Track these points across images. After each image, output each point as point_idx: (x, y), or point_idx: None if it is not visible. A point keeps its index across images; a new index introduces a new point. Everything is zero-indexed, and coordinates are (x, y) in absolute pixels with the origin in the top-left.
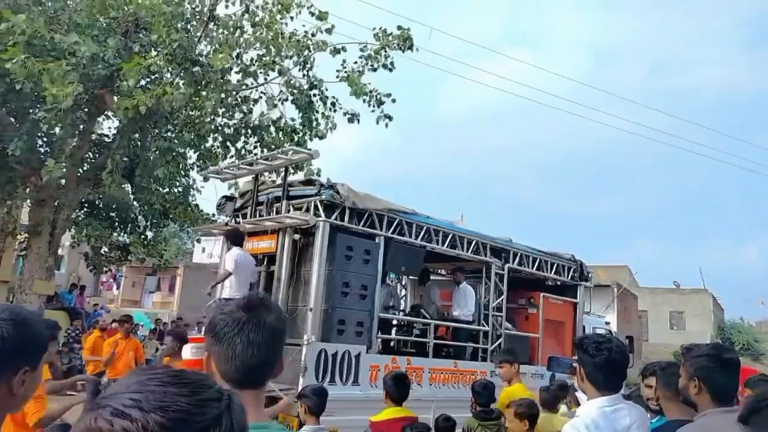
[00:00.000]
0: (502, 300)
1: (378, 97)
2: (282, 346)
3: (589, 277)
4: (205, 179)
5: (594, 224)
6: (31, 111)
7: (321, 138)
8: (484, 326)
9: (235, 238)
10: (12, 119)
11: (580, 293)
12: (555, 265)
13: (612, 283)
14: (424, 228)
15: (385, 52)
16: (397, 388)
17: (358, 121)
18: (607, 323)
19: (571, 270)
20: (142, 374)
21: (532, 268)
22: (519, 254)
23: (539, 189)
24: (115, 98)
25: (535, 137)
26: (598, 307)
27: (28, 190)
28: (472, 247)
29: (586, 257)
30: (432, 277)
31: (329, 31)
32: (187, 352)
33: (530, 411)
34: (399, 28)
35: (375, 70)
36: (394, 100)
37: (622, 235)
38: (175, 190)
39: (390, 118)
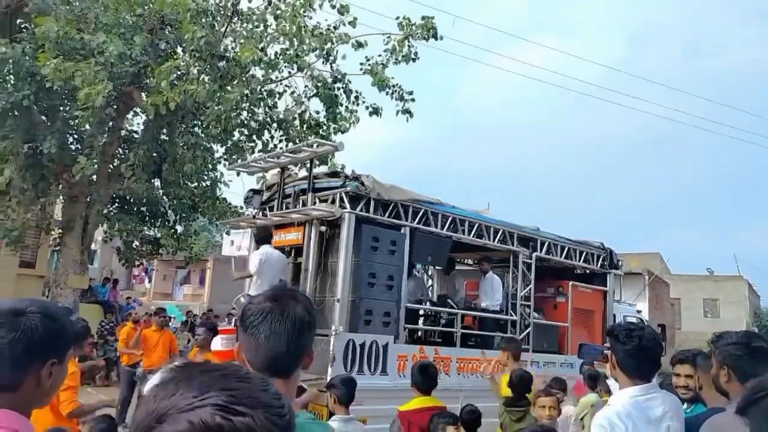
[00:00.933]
0: (529, 289)
1: (400, 92)
2: (309, 336)
3: (619, 264)
4: (238, 174)
5: (626, 211)
6: (61, 109)
7: (343, 132)
8: (511, 315)
9: (261, 236)
10: (43, 117)
11: (609, 281)
12: (584, 253)
13: (643, 271)
14: (450, 218)
15: (409, 42)
16: (424, 377)
17: (380, 115)
18: (638, 311)
19: (600, 258)
20: (206, 372)
21: (561, 257)
22: (547, 243)
23: (570, 177)
24: (143, 95)
25: (567, 124)
26: (628, 295)
27: (60, 186)
28: (498, 237)
29: (617, 245)
30: (458, 267)
31: (352, 24)
32: (217, 343)
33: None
34: (423, 17)
35: (398, 62)
36: (413, 99)
37: (655, 223)
38: (204, 184)
39: (411, 113)
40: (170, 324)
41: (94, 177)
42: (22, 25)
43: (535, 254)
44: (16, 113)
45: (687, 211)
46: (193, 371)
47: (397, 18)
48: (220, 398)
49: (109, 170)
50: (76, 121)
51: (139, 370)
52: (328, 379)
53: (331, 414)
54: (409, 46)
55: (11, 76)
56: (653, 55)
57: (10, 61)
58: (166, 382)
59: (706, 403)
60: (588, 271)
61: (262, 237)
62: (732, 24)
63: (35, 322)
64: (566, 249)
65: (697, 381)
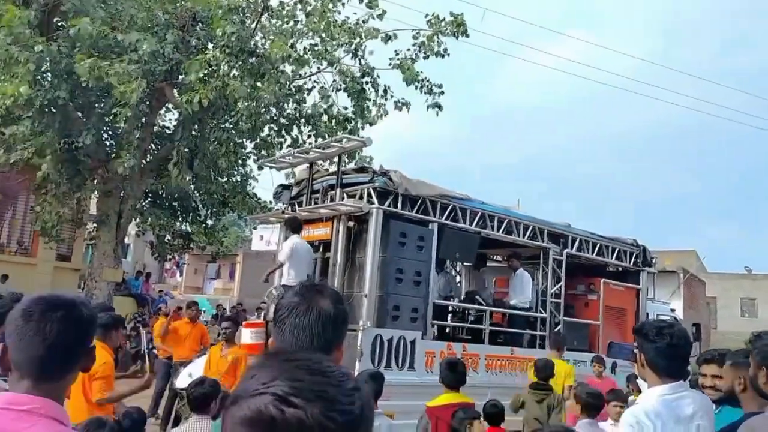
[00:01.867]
0: (560, 286)
1: (429, 86)
2: (336, 330)
3: (652, 262)
4: (260, 168)
5: (662, 208)
6: (96, 105)
7: (371, 125)
8: (541, 313)
9: (293, 226)
10: (79, 114)
11: (642, 279)
12: (616, 250)
13: (678, 269)
14: (479, 214)
15: (438, 38)
16: (452, 373)
17: (408, 109)
18: (673, 310)
19: (633, 255)
20: (285, 360)
21: (592, 254)
22: (578, 239)
23: (604, 172)
24: (175, 91)
25: (602, 119)
26: (662, 293)
27: (95, 181)
28: (528, 233)
29: (652, 242)
30: (488, 264)
31: (380, 17)
32: (247, 336)
33: (588, 399)
34: (451, 14)
35: (427, 57)
36: (443, 92)
37: (692, 220)
38: (234, 179)
39: (440, 107)
40: (201, 317)
41: (128, 172)
42: (59, 24)
43: (565, 251)
44: (52, 110)
45: (725, 207)
46: (275, 359)
47: (426, 15)
48: (282, 388)
49: (142, 165)
50: (112, 117)
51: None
52: (356, 374)
53: None
54: (438, 42)
55: (48, 74)
56: (690, 49)
57: (47, 59)
58: (253, 367)
59: (743, 406)
60: (620, 269)
61: (294, 227)
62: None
63: (86, 312)
64: (598, 246)
65: (742, 381)
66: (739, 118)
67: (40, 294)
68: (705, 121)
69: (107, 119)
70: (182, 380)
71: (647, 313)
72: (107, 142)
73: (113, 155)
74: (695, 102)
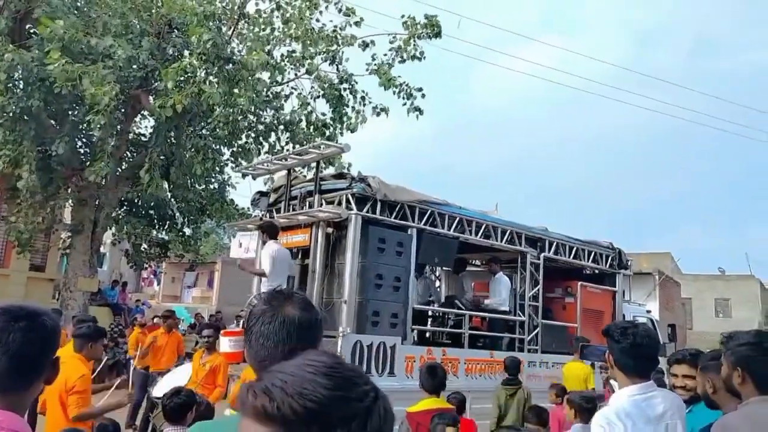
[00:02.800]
0: (538, 290)
1: (408, 90)
2: (302, 338)
3: (628, 264)
4: (244, 176)
5: (637, 212)
6: (70, 113)
7: (352, 131)
8: (520, 316)
9: (271, 232)
10: (53, 122)
11: (619, 281)
12: (592, 253)
13: (653, 271)
14: (457, 218)
15: (414, 41)
16: (431, 378)
17: (387, 114)
18: (649, 311)
19: (610, 258)
20: (305, 359)
21: (569, 257)
22: (555, 243)
23: (579, 177)
24: (151, 98)
25: (575, 124)
26: (638, 295)
27: (69, 190)
28: (506, 237)
29: (627, 245)
30: (467, 268)
31: (358, 24)
32: (225, 344)
33: (581, 403)
34: (426, 17)
35: (404, 61)
36: (423, 95)
37: (666, 222)
38: (211, 186)
39: (420, 111)
40: (179, 326)
41: (102, 181)
42: (31, 31)
43: (543, 255)
44: (26, 118)
45: (698, 210)
46: (303, 358)
47: (402, 17)
48: (274, 380)
49: (118, 173)
50: (86, 125)
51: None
52: None
53: None
54: (414, 45)
55: (21, 82)
56: (661, 54)
57: (20, 67)
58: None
59: (722, 407)
60: (597, 272)
61: (272, 233)
62: (742, 23)
63: (49, 323)
64: (575, 249)
65: (711, 384)
66: (711, 122)
67: (2, 304)
68: (677, 126)
69: (81, 127)
70: (159, 389)
71: (624, 315)
72: (81, 150)
73: (88, 163)
74: (666, 107)
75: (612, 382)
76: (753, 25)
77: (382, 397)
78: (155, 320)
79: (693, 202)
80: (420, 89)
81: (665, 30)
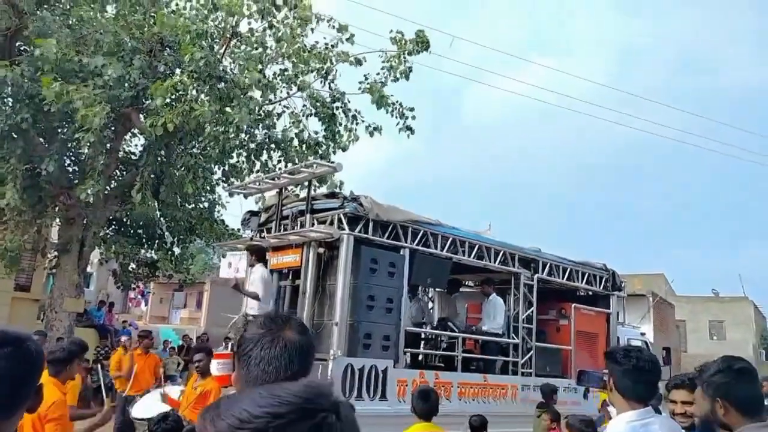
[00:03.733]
0: (531, 311)
1: (401, 110)
2: (302, 362)
3: (622, 286)
4: (231, 195)
5: (629, 233)
6: (59, 131)
7: (344, 150)
8: (513, 339)
9: (260, 254)
10: (41, 140)
11: (613, 303)
12: (586, 274)
13: (647, 293)
14: (450, 239)
15: (404, 57)
16: (424, 403)
17: (380, 133)
18: (643, 334)
19: (603, 279)
20: (263, 389)
21: (563, 278)
22: (548, 264)
23: (570, 197)
24: (141, 117)
25: (563, 144)
26: (633, 317)
27: (57, 209)
28: (499, 258)
29: (620, 267)
30: (461, 289)
31: (350, 40)
32: (214, 368)
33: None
34: (415, 33)
35: (397, 80)
36: (414, 117)
37: (659, 244)
38: (201, 206)
39: (412, 130)
40: (165, 348)
41: (91, 199)
42: (22, 48)
43: (536, 276)
44: (14, 135)
45: (691, 231)
46: (261, 388)
47: (391, 32)
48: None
49: (106, 192)
50: (75, 143)
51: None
52: None
53: None
54: (404, 61)
55: (10, 99)
56: (645, 74)
57: (9, 83)
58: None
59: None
60: (591, 293)
61: (261, 255)
62: (722, 43)
63: (34, 348)
64: (568, 270)
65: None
66: (702, 143)
67: None
68: (667, 146)
69: (70, 145)
70: (138, 410)
71: (618, 338)
72: (70, 169)
73: (76, 182)
74: (655, 126)
75: (610, 408)
76: (730, 45)
77: (341, 409)
78: (138, 340)
79: (686, 222)
80: (411, 109)
81: (649, 50)
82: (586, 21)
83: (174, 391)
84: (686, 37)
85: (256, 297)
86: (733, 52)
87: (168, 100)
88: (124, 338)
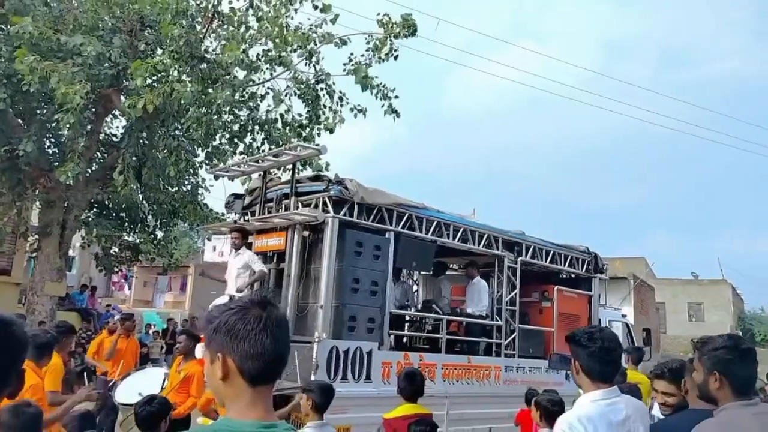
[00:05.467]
0: (515, 294)
1: (385, 91)
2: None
3: (604, 269)
4: (216, 177)
5: (610, 217)
6: (38, 112)
7: (330, 131)
8: (497, 321)
9: (247, 237)
10: (20, 121)
11: (595, 286)
12: (569, 257)
13: (628, 275)
14: (435, 222)
15: (390, 41)
16: (410, 385)
17: (365, 115)
18: (624, 316)
19: (586, 262)
20: None
21: (546, 261)
22: (532, 247)
23: (553, 182)
24: (122, 98)
25: (548, 130)
26: (614, 299)
27: (37, 191)
28: (483, 241)
29: (602, 250)
30: (446, 272)
31: (333, 21)
32: (199, 351)
33: (548, 406)
34: (402, 16)
35: (381, 61)
36: (397, 96)
37: (639, 228)
38: (184, 188)
39: (397, 113)
40: (147, 332)
41: (71, 182)
42: None
43: (520, 259)
44: None
45: (671, 215)
46: None
47: (378, 14)
48: None
49: (88, 174)
50: (54, 124)
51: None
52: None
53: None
54: (390, 44)
55: None
56: (631, 62)
57: None
58: None
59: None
60: (573, 276)
61: (247, 239)
62: (707, 35)
63: (19, 332)
64: (551, 253)
65: (684, 386)
66: (684, 128)
67: None
68: (648, 131)
69: (50, 126)
70: (122, 394)
71: (599, 319)
72: (50, 150)
73: (56, 164)
74: (637, 111)
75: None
76: (722, 35)
77: None
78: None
79: (666, 207)
80: (393, 89)
81: (634, 41)
82: (571, 11)
83: (157, 372)
84: (670, 30)
85: (261, 277)
86: (717, 44)
87: (149, 81)
88: (111, 321)
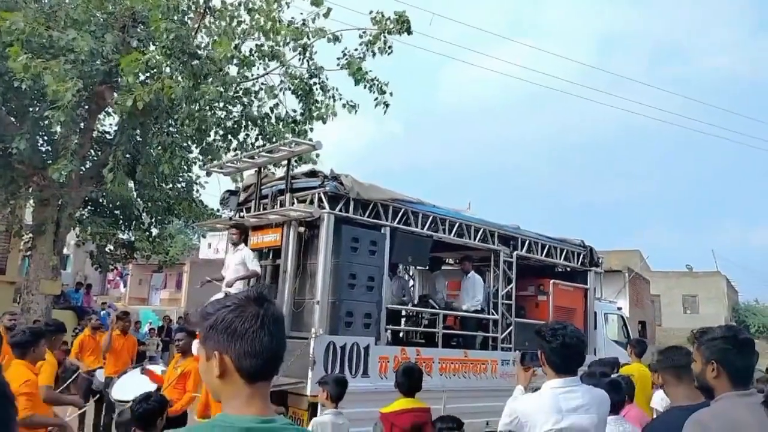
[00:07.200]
0: (511, 288)
1: (379, 85)
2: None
3: (599, 262)
4: (208, 174)
5: (605, 211)
6: (31, 110)
7: (323, 122)
8: (493, 315)
9: (245, 235)
10: (12, 119)
11: (590, 279)
12: (564, 251)
13: (623, 268)
14: (430, 217)
15: (384, 37)
16: (408, 380)
17: (356, 111)
18: (619, 308)
19: (581, 256)
20: None
21: (541, 255)
22: (527, 241)
23: (547, 176)
24: (115, 94)
25: (543, 124)
26: (609, 292)
27: (31, 189)
28: (479, 236)
29: (597, 243)
30: (442, 267)
31: (326, 15)
32: (194, 348)
33: None
34: (395, 13)
35: (375, 55)
36: (391, 93)
37: (634, 221)
38: (179, 185)
39: (387, 105)
40: (143, 330)
41: (64, 179)
42: None
43: (515, 253)
44: None
45: (666, 208)
46: None
47: (371, 12)
48: None
49: (81, 172)
50: (47, 121)
51: (98, 375)
52: (308, 382)
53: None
54: (384, 40)
55: None
56: (625, 57)
57: None
58: None
59: (673, 400)
60: (569, 269)
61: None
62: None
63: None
64: (547, 247)
65: (659, 379)
66: (678, 121)
67: None
68: (643, 125)
69: (42, 124)
70: (119, 391)
71: (595, 312)
72: (43, 148)
73: (50, 162)
74: (633, 105)
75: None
76: (714, 28)
77: None
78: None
79: (660, 200)
80: (386, 83)
81: (627, 37)
82: (564, 7)
83: (155, 369)
84: (660, 27)
85: (255, 274)
86: (708, 38)
87: (141, 77)
88: (93, 318)
